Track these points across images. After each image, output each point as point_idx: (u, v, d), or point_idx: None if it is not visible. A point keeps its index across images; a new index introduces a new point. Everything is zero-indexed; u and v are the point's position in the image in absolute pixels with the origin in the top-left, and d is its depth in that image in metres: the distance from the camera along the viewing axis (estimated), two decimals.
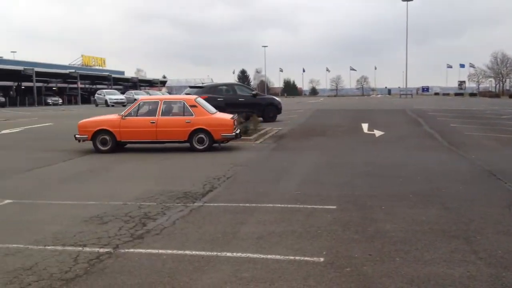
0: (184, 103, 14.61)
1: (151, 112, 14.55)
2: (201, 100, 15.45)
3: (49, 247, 5.72)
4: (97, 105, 56.47)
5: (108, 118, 15.24)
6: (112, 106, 53.35)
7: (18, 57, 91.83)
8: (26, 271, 4.98)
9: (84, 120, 15.22)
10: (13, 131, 22.04)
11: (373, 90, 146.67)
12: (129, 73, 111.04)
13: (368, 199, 7.96)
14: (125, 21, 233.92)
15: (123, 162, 12.52)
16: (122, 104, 54.58)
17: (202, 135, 14.22)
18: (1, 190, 9.08)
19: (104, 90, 61.97)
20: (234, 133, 14.49)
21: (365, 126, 20.89)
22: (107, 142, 14.35)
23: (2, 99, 58.74)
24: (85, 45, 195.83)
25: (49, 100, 65.71)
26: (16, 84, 78.89)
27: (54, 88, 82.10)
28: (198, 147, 14.21)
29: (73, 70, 73.58)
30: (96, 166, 11.81)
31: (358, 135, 18.33)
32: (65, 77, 75.70)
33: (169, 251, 5.56)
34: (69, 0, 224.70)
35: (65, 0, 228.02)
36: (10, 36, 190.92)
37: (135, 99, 58.97)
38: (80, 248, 5.67)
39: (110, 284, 4.68)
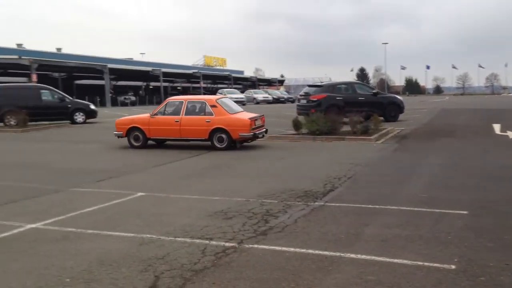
0: (205, 103, 15.14)
1: (176, 112, 15.23)
2: (223, 101, 15.85)
3: (178, 239, 5.99)
4: None
5: (139, 116, 16.26)
6: None
7: (147, 58, 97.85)
8: (159, 260, 5.25)
9: (120, 119, 16.40)
10: None
11: (504, 88, 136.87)
12: (248, 73, 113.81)
13: (503, 205, 7.41)
14: (245, 22, 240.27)
15: (243, 160, 12.81)
16: (242, 103, 56.03)
17: (221, 134, 14.69)
18: (134, 183, 9.70)
19: (225, 89, 64.01)
20: (251, 133, 14.65)
21: (497, 127, 19.53)
22: (139, 139, 15.49)
23: (133, 98, 62.94)
24: (207, 46, 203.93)
25: None
26: (145, 84, 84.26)
27: (178, 88, 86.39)
28: (218, 145, 14.68)
29: (196, 70, 76.97)
30: (219, 163, 12.19)
31: (489, 137, 17.18)
32: (189, 77, 79.39)
33: (292, 249, 5.57)
34: (193, 5, 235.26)
35: (190, 4, 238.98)
36: (140, 39, 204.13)
37: (254, 98, 60.80)
38: (207, 241, 5.87)
39: (236, 278, 4.79)
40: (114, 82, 67.23)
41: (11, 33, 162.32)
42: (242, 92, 65.49)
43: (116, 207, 7.77)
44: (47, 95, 26.18)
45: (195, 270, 4.98)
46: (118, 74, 66.02)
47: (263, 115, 16.22)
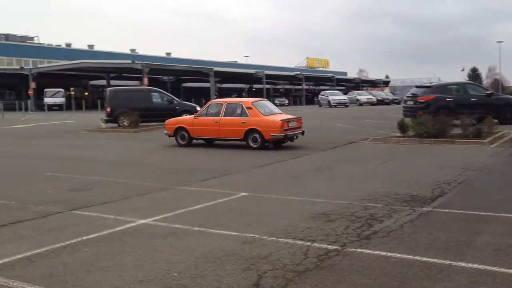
0: (242, 105, 16.01)
1: (216, 113, 16.22)
2: (258, 103, 16.45)
3: (281, 239, 6.01)
4: (320, 106, 58.19)
5: (185, 118, 17.71)
6: (335, 106, 54.38)
7: (250, 61, 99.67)
8: (262, 260, 5.30)
9: (169, 119, 17.82)
10: None
11: None
12: (352, 74, 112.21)
13: None
14: (348, 22, 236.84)
15: (345, 162, 12.62)
16: (345, 105, 55.31)
17: (255, 135, 15.46)
18: (238, 183, 9.91)
19: (327, 91, 63.53)
20: (283, 134, 15.19)
21: None
22: (184, 137, 16.75)
23: None
24: (310, 47, 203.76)
25: (277, 101, 69.93)
26: (248, 86, 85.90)
27: (281, 90, 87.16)
28: (253, 145, 15.48)
29: (299, 72, 77.18)
30: (320, 165, 12.11)
31: None
32: (291, 79, 79.86)
33: (398, 255, 5.38)
34: (296, 6, 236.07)
35: (293, 6, 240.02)
36: (244, 42, 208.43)
37: (357, 100, 59.77)
38: (309, 243, 5.84)
39: (339, 281, 4.71)
40: (218, 85, 69.22)
41: (125, 40, 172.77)
42: (345, 93, 64.61)
43: (221, 206, 7.96)
44: (157, 97, 27.48)
45: (298, 271, 4.97)
46: (223, 76, 67.91)
47: (300, 118, 16.65)
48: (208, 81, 61.16)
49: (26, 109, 48.09)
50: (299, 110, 48.13)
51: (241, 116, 15.76)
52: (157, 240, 6.11)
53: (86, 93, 76.04)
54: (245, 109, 15.79)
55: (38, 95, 56.57)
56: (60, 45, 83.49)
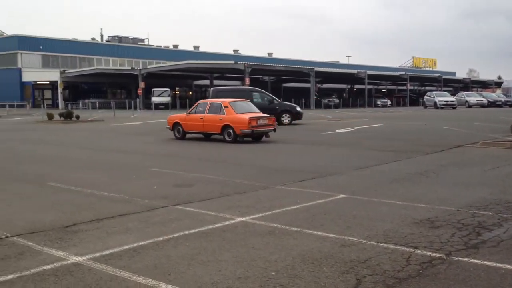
0: (221, 104, 18.61)
1: (202, 111, 18.94)
2: (235, 103, 18.86)
3: (381, 244, 5.83)
4: (425, 107, 56.05)
5: (180, 114, 20.55)
6: (441, 108, 52.11)
7: (352, 61, 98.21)
8: (361, 264, 5.17)
9: (170, 115, 21.01)
10: (346, 130, 23.62)
11: None
12: (460, 74, 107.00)
13: None
14: (457, 20, 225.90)
15: (453, 167, 12.02)
16: (452, 107, 52.84)
17: (229, 130, 17.96)
18: (336, 185, 9.77)
19: (434, 92, 61.06)
20: (250, 130, 17.60)
21: None
22: (180, 131, 19.61)
23: (337, 101, 63.73)
24: (415, 47, 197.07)
25: (378, 102, 68.33)
26: (349, 86, 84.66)
27: (383, 90, 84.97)
28: (227, 139, 18.04)
29: (403, 72, 74.79)
30: (425, 169, 11.61)
31: None
32: (395, 79, 77.59)
33: (508, 267, 5.03)
34: (401, 4, 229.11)
35: (398, 4, 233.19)
36: (347, 41, 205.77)
37: (466, 101, 56.85)
38: (412, 250, 5.60)
39: None
40: (319, 85, 68.85)
41: (229, 41, 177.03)
42: (453, 94, 61.68)
43: (319, 207, 7.88)
44: (258, 97, 27.86)
45: (399, 278, 4.78)
46: (324, 77, 67.45)
47: (272, 116, 19.34)
48: (308, 81, 61.06)
49: (135, 108, 50.75)
50: (403, 112, 46.70)
51: (219, 114, 18.34)
52: (255, 238, 6.16)
53: (190, 93, 78.93)
54: (223, 107, 18.36)
55: (146, 94, 59.55)
56: (168, 47, 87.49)
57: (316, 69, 60.07)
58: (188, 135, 19.78)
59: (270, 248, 5.77)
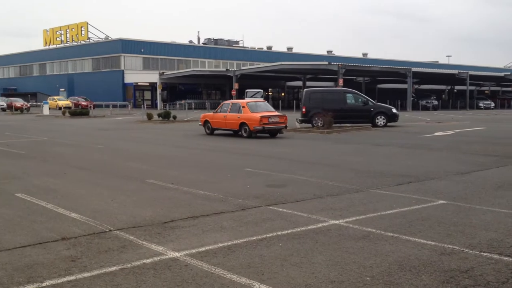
0: (239, 104, 21.47)
1: (225, 110, 21.87)
2: (251, 104, 21.66)
3: (484, 254, 5.51)
4: None
5: (209, 113, 23.54)
6: None
7: (452, 61, 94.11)
8: (462, 274, 4.91)
9: (202, 114, 24.30)
10: (445, 133, 22.63)
11: None
12: None
13: None
14: None
15: None
16: None
17: (245, 127, 20.67)
18: (435, 190, 9.36)
19: None
20: (261, 127, 20.26)
21: None
22: (209, 128, 22.61)
23: (435, 102, 61.26)
24: None
25: (481, 104, 64.85)
26: (448, 87, 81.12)
27: (486, 92, 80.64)
28: (244, 134, 20.88)
29: (509, 73, 70.48)
30: None
31: None
32: (499, 80, 73.30)
33: None
34: (507, 2, 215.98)
35: (503, 2, 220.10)
36: (447, 41, 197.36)
37: None
38: None
39: None
40: (416, 86, 66.57)
41: (322, 41, 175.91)
42: None
43: (416, 212, 7.59)
44: (352, 98, 27.42)
45: None
46: (421, 77, 65.15)
47: (284, 115, 21.68)
48: (405, 82, 59.23)
49: None
50: (507, 115, 44.01)
51: (238, 113, 21.06)
52: (349, 242, 6.05)
53: (283, 94, 79.34)
54: (241, 107, 21.06)
55: (239, 95, 60.66)
56: (262, 48, 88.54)
57: (414, 69, 58.07)
58: (217, 132, 22.67)
59: (365, 253, 5.63)
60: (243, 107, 20.98)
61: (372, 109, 27.08)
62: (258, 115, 20.44)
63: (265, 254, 5.62)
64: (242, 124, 20.80)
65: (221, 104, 22.97)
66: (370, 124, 26.67)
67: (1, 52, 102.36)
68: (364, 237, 6.25)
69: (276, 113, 21.59)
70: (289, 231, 6.53)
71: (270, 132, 21.05)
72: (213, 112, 22.83)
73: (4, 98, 66.55)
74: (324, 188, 9.59)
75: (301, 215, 7.40)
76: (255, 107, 21.35)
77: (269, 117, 20.65)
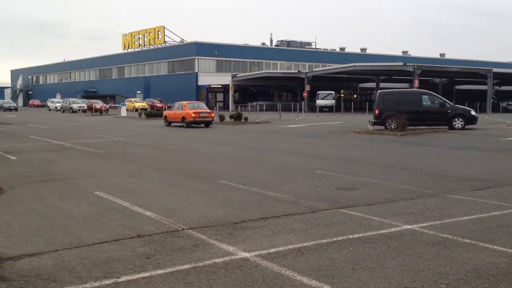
0: (183, 104, 31.28)
1: (176, 108, 32.58)
2: (190, 104, 31.58)
3: None
4: None
5: (168, 110, 36.18)
6: None
7: None
8: None
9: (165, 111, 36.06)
10: None
11: None
12: None
13: None
14: None
15: None
16: None
17: (184, 120, 30.42)
18: None
19: None
20: (193, 119, 29.69)
21: None
22: (167, 121, 32.82)
23: None
24: None
25: None
26: None
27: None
28: (184, 125, 30.15)
29: None
30: None
31: None
32: None
33: None
34: None
35: None
36: None
37: None
38: None
39: None
40: (496, 87, 63.61)
41: (398, 41, 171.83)
42: None
43: (495, 219, 7.24)
44: (428, 100, 26.58)
45: None
46: (503, 78, 62.14)
47: (211, 112, 31.84)
48: (484, 83, 56.73)
49: (300, 110, 51.71)
50: None
51: (182, 110, 30.85)
52: (423, 248, 5.86)
53: (355, 96, 78.20)
54: (183, 106, 31.00)
55: (311, 97, 60.38)
56: (334, 50, 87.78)
57: (495, 70, 55.47)
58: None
59: (440, 259, 5.44)
60: (184, 106, 30.97)
61: (449, 111, 26.14)
62: (191, 111, 30.09)
63: (335, 257, 5.55)
64: (183, 118, 30.26)
65: (175, 104, 33.50)
66: (446, 127, 25.76)
67: (82, 56, 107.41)
68: (440, 243, 6.03)
69: (207, 110, 31.64)
70: (361, 235, 6.42)
71: (201, 123, 30.30)
72: (169, 110, 35.12)
73: (84, 100, 69.94)
74: (397, 192, 9.35)
75: (373, 219, 7.25)
76: (191, 106, 31.41)
77: (199, 112, 30.37)
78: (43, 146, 18.75)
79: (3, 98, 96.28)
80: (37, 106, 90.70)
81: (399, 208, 8.02)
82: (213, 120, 30.89)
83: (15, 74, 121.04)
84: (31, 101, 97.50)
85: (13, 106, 72.20)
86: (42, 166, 13.13)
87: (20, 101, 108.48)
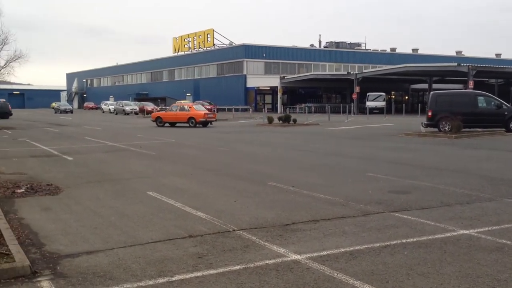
0: (186, 106, 34.90)
1: (175, 110, 34.94)
2: (194, 105, 36.32)
3: None
4: None
5: (162, 112, 39.12)
6: None
7: None
8: None
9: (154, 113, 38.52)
10: None
11: None
12: None
13: None
14: None
15: None
16: None
17: (192, 120, 32.93)
18: None
19: None
20: (204, 119, 32.96)
21: None
22: (161, 122, 34.54)
23: None
24: None
25: None
26: None
27: None
28: (191, 125, 32.77)
29: None
30: None
31: None
32: None
33: None
34: None
35: None
36: None
37: None
38: None
39: None
40: None
41: (452, 41, 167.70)
42: None
43: None
44: (483, 101, 25.73)
45: None
46: None
47: (214, 113, 38.47)
48: None
49: (349, 112, 51.15)
50: None
51: (186, 111, 33.43)
52: (481, 254, 5.67)
53: (406, 97, 76.68)
54: (188, 107, 34.04)
55: (360, 99, 59.63)
56: (385, 50, 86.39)
57: None
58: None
59: (499, 265, 5.25)
60: (191, 107, 34.16)
61: (506, 112, 25.22)
62: (203, 112, 33.61)
63: (389, 261, 5.44)
64: (190, 118, 32.70)
65: (171, 106, 37.22)
66: (504, 129, 24.88)
67: (134, 60, 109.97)
68: (498, 249, 5.82)
69: (211, 111, 38.54)
70: (415, 239, 6.28)
71: (208, 122, 33.59)
72: (164, 111, 36.88)
73: (136, 102, 71.55)
74: (452, 195, 9.10)
75: (427, 223, 7.08)
76: (198, 107, 35.71)
77: (207, 113, 34.19)
78: (97, 147, 19.29)
79: (60, 101, 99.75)
80: (92, 108, 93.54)
81: (455, 212, 7.80)
82: (215, 120, 35.51)
83: (70, 77, 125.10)
84: (85, 104, 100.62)
85: (68, 109, 74.79)
86: (97, 167, 13.50)
87: (75, 104, 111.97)
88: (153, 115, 36.29)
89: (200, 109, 35.04)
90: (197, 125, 32.62)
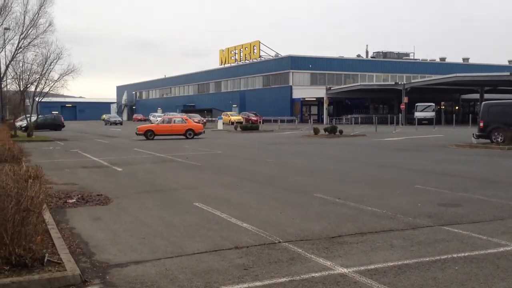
0: (182, 119, 34.81)
1: (169, 121, 34.51)
2: (189, 116, 44.37)
3: None
4: None
5: (153, 124, 38.82)
6: None
7: None
8: None
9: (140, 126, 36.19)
10: None
11: None
12: None
13: None
14: None
15: None
16: None
17: (190, 132, 33.31)
18: None
19: None
20: (203, 131, 34.36)
21: None
22: (152, 135, 32.88)
23: None
24: None
25: None
26: None
27: None
28: (188, 137, 32.86)
29: None
30: None
31: None
32: None
33: None
34: None
35: None
36: None
37: None
38: None
39: None
40: None
41: (504, 50, 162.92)
42: None
43: None
44: None
45: None
46: None
47: (202, 125, 37.41)
48: None
49: (397, 123, 50.29)
50: None
51: (183, 123, 33.70)
52: None
53: (457, 107, 74.81)
54: (184, 120, 34.49)
55: (408, 109, 58.55)
56: (434, 60, 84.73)
57: None
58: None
59: None
60: (187, 120, 34.85)
61: None
62: (201, 124, 36.38)
63: (439, 276, 5.30)
64: (188, 130, 32.97)
65: (162, 118, 37.24)
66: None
67: (182, 72, 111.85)
68: None
69: (198, 122, 40.97)
70: (466, 254, 6.09)
71: (201, 133, 34.01)
72: (156, 123, 35.66)
73: (183, 114, 72.67)
74: (506, 209, 8.79)
75: (479, 237, 6.86)
76: (191, 119, 39.03)
77: (203, 125, 37.32)
78: (146, 158, 19.67)
79: (110, 113, 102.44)
80: (140, 120, 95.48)
81: (509, 226, 7.53)
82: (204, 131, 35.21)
83: (120, 90, 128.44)
84: (134, 115, 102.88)
85: (118, 120, 76.73)
86: (145, 178, 13.76)
87: (125, 115, 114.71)
88: (140, 129, 33.55)
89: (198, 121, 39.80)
90: (191, 137, 32.89)
